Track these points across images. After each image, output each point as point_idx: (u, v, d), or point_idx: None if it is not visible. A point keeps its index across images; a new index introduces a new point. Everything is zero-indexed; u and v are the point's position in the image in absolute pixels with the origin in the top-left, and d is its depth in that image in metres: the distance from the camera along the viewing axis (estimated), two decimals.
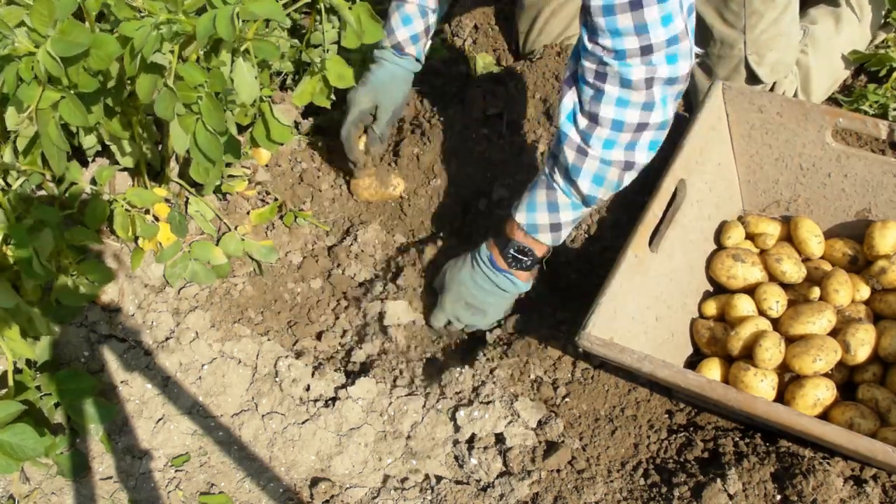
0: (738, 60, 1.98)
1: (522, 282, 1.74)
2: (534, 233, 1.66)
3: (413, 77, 1.96)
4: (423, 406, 1.71)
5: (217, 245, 1.92)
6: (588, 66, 1.46)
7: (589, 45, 1.44)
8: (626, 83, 1.44)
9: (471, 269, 1.76)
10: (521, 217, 1.66)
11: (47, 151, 1.55)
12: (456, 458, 1.65)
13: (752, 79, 2.02)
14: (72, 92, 1.48)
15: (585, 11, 1.41)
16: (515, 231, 1.68)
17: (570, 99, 1.52)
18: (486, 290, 1.75)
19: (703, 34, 2.02)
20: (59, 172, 1.65)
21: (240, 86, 1.57)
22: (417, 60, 1.93)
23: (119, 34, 1.45)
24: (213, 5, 1.42)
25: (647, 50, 1.40)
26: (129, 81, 1.62)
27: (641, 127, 1.49)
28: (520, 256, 1.69)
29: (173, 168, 1.90)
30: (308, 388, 1.81)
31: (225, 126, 1.59)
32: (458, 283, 1.77)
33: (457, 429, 1.66)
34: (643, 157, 1.53)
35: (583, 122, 1.50)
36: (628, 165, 1.53)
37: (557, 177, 1.59)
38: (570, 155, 1.53)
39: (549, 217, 1.63)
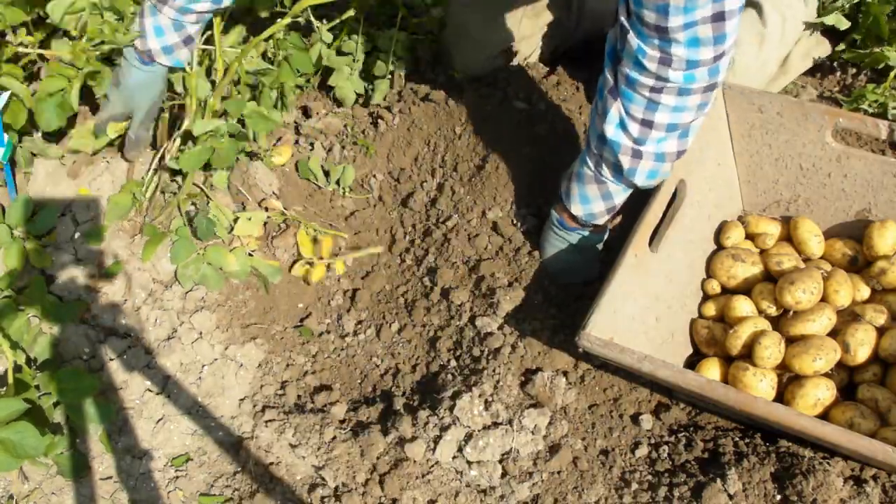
0: None
1: (597, 234, 1.81)
2: (592, 220, 1.76)
3: (165, 75, 1.83)
4: (425, 408, 1.71)
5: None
6: (643, 80, 1.49)
7: (648, 63, 1.45)
8: (684, 92, 1.48)
9: (546, 234, 1.85)
10: (577, 210, 1.74)
11: None
12: (456, 459, 1.65)
13: None
14: None
15: (653, 29, 1.42)
16: (572, 219, 1.77)
17: (616, 109, 1.56)
18: (565, 250, 1.82)
19: None
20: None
21: None
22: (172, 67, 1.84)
23: None
24: None
25: (718, 58, 1.43)
26: None
27: (693, 120, 1.56)
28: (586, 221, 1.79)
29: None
30: (310, 393, 1.82)
31: None
32: (541, 250, 1.88)
33: (458, 430, 1.66)
34: (692, 140, 1.62)
35: (635, 128, 1.55)
36: (680, 154, 1.62)
37: (607, 173, 1.66)
38: (625, 161, 1.60)
39: (604, 205, 1.72)
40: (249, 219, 1.94)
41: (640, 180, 1.64)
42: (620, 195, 1.71)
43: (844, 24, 2.10)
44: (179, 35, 1.76)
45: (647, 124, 1.54)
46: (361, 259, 2.07)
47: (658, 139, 1.56)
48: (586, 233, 1.80)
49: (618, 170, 1.63)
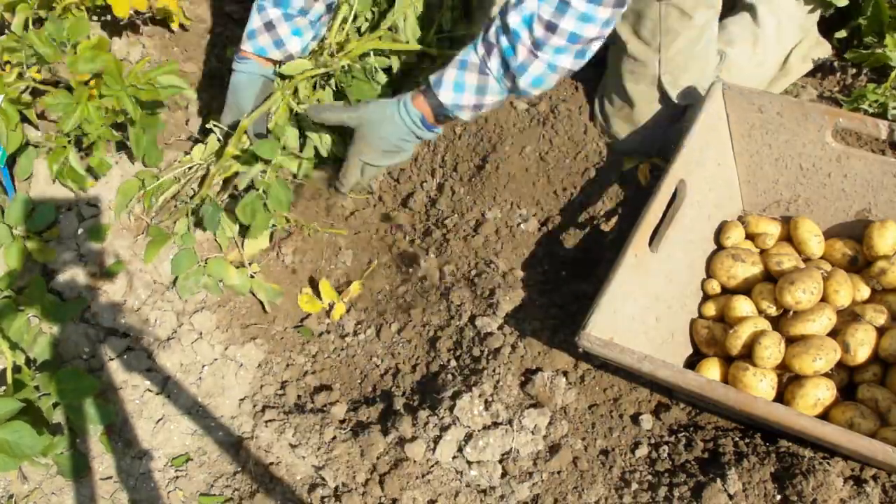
0: (651, 79, 1.91)
1: (440, 128, 1.77)
2: (456, 111, 1.68)
3: (262, 75, 1.91)
4: (425, 408, 1.71)
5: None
6: None
7: None
8: (596, 0, 1.49)
9: (398, 128, 1.74)
10: (446, 97, 1.66)
11: None
12: (456, 459, 1.65)
13: (665, 99, 1.95)
14: None
15: None
16: (431, 107, 1.70)
17: (528, 4, 1.54)
18: (409, 141, 1.77)
19: (618, 50, 1.95)
20: None
21: None
22: (272, 61, 1.90)
23: None
24: None
25: None
26: None
27: (594, 40, 1.56)
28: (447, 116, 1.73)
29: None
30: (310, 393, 1.81)
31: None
32: (381, 139, 1.76)
33: (458, 431, 1.66)
34: (582, 64, 1.61)
35: (539, 30, 1.54)
36: (570, 72, 1.61)
37: (494, 65, 1.61)
38: (521, 54, 1.57)
39: (475, 99, 1.66)
40: (256, 238, 1.94)
41: (525, 82, 1.60)
42: (494, 96, 1.65)
43: (842, 1, 2.10)
44: (261, 18, 1.87)
45: (552, 28, 1.53)
46: (361, 259, 2.07)
47: (556, 48, 1.55)
48: (439, 130, 1.76)
49: (506, 65, 1.60)
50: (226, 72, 2.01)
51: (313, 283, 2.01)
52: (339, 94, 2.01)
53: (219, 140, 1.94)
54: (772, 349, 1.59)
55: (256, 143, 1.83)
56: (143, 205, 1.91)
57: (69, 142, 1.85)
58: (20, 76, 1.82)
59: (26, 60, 1.80)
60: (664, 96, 1.94)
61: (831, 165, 1.81)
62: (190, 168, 1.94)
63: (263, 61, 1.91)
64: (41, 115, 1.98)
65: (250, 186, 1.86)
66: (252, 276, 1.93)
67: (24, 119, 1.88)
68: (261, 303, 1.95)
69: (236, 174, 1.90)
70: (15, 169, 1.90)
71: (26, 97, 1.88)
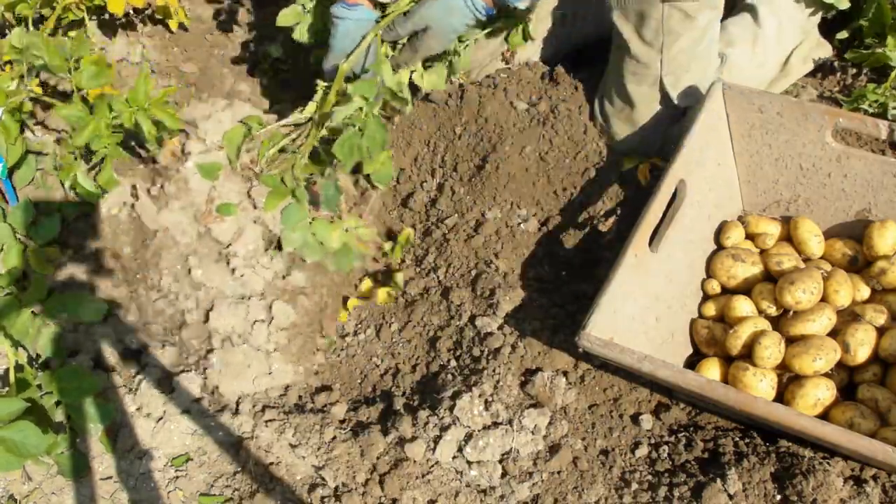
0: (653, 80, 1.92)
1: (494, 10, 1.89)
2: (516, 2, 1.84)
3: (373, 22, 1.90)
4: (424, 408, 1.71)
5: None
6: None
7: None
8: None
9: (465, 15, 1.86)
10: None
11: None
12: (456, 459, 1.65)
13: (666, 100, 1.95)
14: None
15: None
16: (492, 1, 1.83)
17: None
18: (471, 26, 1.90)
19: (620, 51, 1.95)
20: None
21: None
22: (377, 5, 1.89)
23: None
24: None
25: None
26: None
27: None
28: None
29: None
30: (311, 393, 1.81)
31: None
32: (451, 30, 1.88)
33: (458, 431, 1.66)
34: None
35: None
36: None
37: None
38: None
39: None
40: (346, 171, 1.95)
41: None
42: None
43: (844, 4, 2.10)
44: None
45: None
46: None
47: None
48: (493, 12, 1.87)
49: None
50: (326, 20, 1.96)
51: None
52: None
53: (326, 92, 1.93)
54: (772, 349, 1.59)
55: (355, 83, 1.81)
56: (258, 154, 1.92)
57: (75, 158, 1.85)
58: (20, 82, 1.82)
59: (26, 69, 1.80)
60: (665, 97, 1.94)
61: (831, 165, 1.81)
62: (299, 125, 1.94)
63: (370, 5, 1.89)
64: (40, 123, 1.98)
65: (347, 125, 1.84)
66: (347, 231, 1.96)
67: (23, 125, 1.88)
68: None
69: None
70: (14, 178, 1.90)
71: (27, 104, 1.88)
